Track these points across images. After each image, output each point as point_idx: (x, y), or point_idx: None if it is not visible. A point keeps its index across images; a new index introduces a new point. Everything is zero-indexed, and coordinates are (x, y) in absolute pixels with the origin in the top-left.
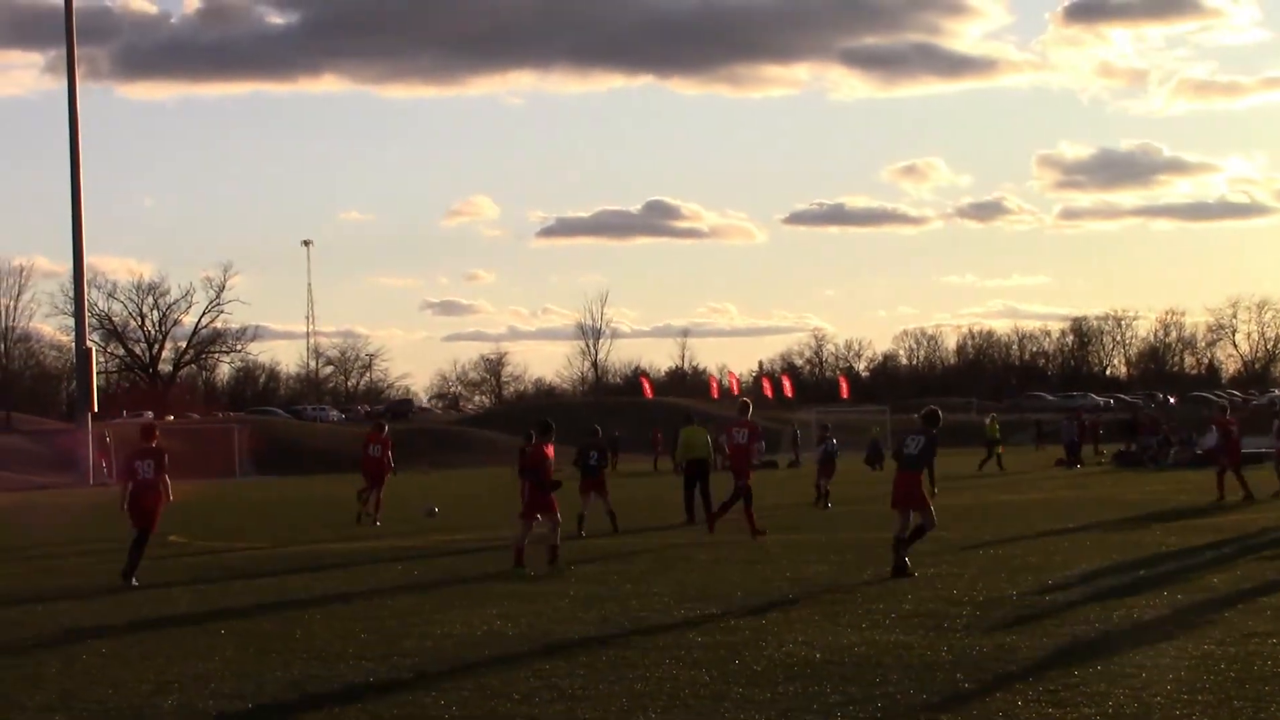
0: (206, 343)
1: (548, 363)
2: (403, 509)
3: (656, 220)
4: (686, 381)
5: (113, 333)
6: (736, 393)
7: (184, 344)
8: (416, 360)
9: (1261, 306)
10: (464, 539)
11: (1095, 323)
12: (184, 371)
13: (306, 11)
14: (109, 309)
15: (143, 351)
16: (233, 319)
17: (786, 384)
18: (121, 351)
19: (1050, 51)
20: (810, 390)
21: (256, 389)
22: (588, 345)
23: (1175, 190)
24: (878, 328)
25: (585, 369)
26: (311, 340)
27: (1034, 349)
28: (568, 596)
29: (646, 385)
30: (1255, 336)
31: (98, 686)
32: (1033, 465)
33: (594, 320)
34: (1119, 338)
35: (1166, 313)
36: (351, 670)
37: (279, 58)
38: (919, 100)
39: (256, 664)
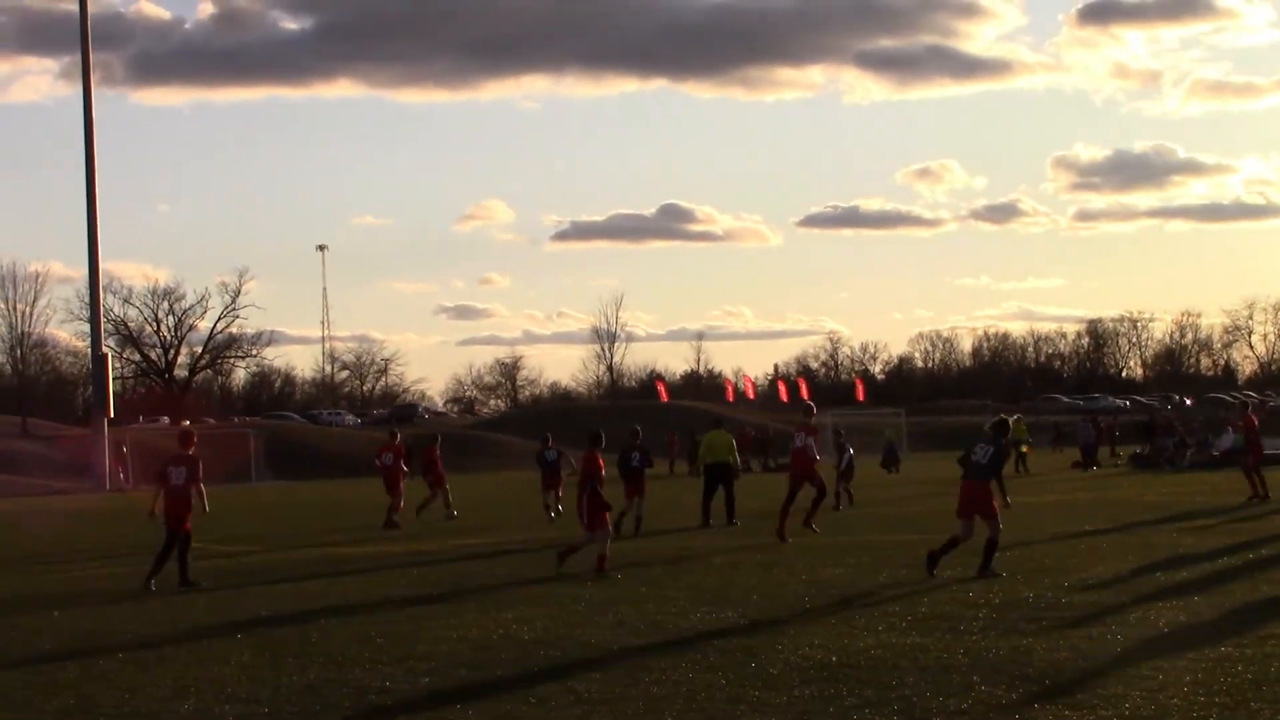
0: (222, 348)
1: (563, 366)
2: (417, 513)
3: (671, 223)
4: (702, 385)
5: (128, 338)
6: (752, 396)
7: (200, 349)
8: (432, 364)
9: (1277, 308)
10: (479, 543)
11: (1111, 325)
12: (200, 377)
13: (320, 16)
14: (125, 314)
15: (158, 357)
16: (248, 324)
17: (803, 387)
18: (137, 357)
19: (1064, 53)
20: (826, 393)
21: (272, 394)
22: (603, 349)
23: (1190, 191)
24: (893, 330)
25: (600, 373)
26: (327, 345)
27: (1049, 351)
28: (584, 600)
29: (662, 389)
30: (1271, 338)
31: (115, 691)
32: (1049, 467)
33: (609, 324)
34: (1135, 339)
35: (1182, 314)
36: (367, 675)
37: (293, 63)
38: (933, 102)
39: (273, 669)
